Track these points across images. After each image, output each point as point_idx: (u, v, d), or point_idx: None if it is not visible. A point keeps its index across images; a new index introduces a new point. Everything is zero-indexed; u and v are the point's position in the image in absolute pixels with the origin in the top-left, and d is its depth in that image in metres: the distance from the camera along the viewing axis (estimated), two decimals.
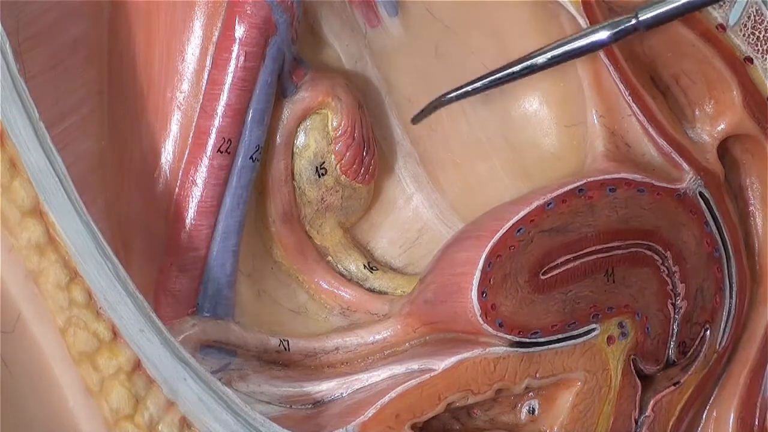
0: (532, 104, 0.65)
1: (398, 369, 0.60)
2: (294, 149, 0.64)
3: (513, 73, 0.62)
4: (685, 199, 0.64)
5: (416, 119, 0.65)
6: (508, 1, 0.64)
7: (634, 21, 0.61)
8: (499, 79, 0.62)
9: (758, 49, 0.66)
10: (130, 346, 0.53)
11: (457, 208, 0.68)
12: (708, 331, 0.65)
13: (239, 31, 0.59)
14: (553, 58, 0.61)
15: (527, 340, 0.60)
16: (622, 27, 0.61)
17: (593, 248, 0.62)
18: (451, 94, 0.63)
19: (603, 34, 0.61)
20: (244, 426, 0.55)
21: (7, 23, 0.52)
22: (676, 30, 0.64)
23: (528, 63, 0.62)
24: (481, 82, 0.63)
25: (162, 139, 0.61)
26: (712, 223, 0.64)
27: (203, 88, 0.60)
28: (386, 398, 0.58)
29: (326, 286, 0.66)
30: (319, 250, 0.66)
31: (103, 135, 0.62)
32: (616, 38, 0.61)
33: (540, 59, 0.62)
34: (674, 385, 0.64)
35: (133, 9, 0.60)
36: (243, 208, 0.61)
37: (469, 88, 0.63)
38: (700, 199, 0.64)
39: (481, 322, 0.60)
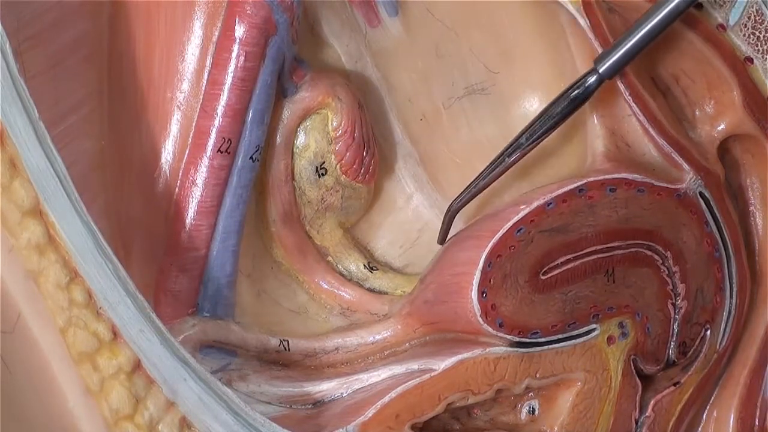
0: (532, 104, 0.65)
1: (398, 369, 0.60)
2: (294, 149, 0.64)
3: (505, 158, 0.63)
4: (685, 199, 0.64)
5: (442, 239, 0.65)
6: (508, 1, 0.64)
7: (595, 75, 0.62)
8: (496, 170, 0.63)
9: (758, 49, 0.66)
10: (130, 346, 0.53)
11: None
12: (708, 331, 0.65)
13: (239, 31, 0.59)
14: (537, 136, 0.62)
15: (527, 340, 0.60)
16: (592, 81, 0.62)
17: (593, 248, 0.62)
18: (458, 203, 0.64)
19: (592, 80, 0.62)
20: (244, 426, 0.55)
21: (7, 23, 0.52)
22: (676, 30, 0.64)
23: (515, 145, 0.62)
24: (482, 181, 0.63)
25: (162, 139, 0.61)
26: (712, 223, 0.64)
27: (203, 88, 0.60)
28: (386, 398, 0.58)
29: (326, 286, 0.66)
30: (319, 250, 0.66)
31: (103, 135, 0.62)
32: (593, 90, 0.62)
33: (523, 139, 0.62)
34: (674, 385, 0.64)
35: (133, 9, 0.60)
36: (243, 208, 0.61)
37: (471, 189, 0.64)
38: (700, 199, 0.64)
39: (481, 322, 0.60)
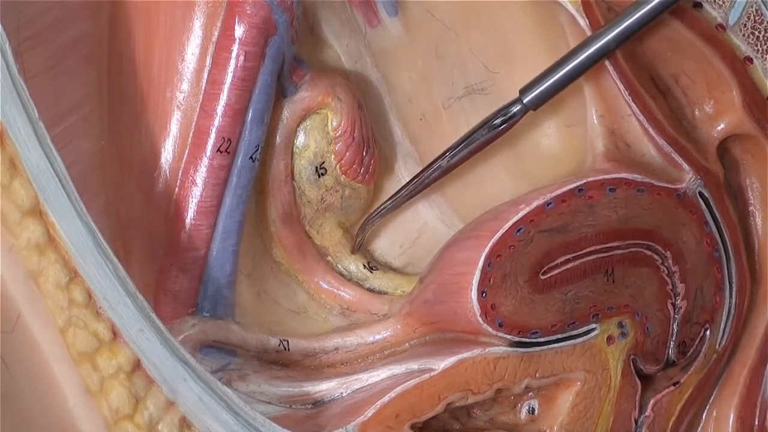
0: None
1: (398, 369, 0.60)
2: (294, 149, 0.64)
3: (426, 177, 0.64)
4: (684, 199, 0.64)
5: (355, 249, 0.67)
6: (508, 1, 0.64)
7: (520, 106, 0.63)
8: (415, 188, 0.65)
9: (758, 49, 0.66)
10: (130, 346, 0.53)
11: (457, 208, 0.68)
12: (708, 331, 0.65)
13: (239, 30, 0.59)
14: (458, 158, 0.64)
15: (527, 340, 0.60)
16: (511, 115, 0.63)
17: (593, 248, 0.62)
18: (374, 216, 0.66)
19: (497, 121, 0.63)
20: (244, 426, 0.55)
21: (7, 23, 0.52)
22: (676, 30, 0.64)
23: (436, 165, 0.64)
24: (400, 198, 0.65)
25: (162, 139, 0.61)
26: (711, 223, 0.64)
27: (203, 87, 0.60)
28: (386, 398, 0.58)
29: (326, 286, 0.66)
30: (319, 250, 0.66)
31: (103, 135, 0.62)
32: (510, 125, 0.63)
33: (444, 161, 0.64)
34: (674, 385, 0.64)
35: (133, 9, 0.60)
36: (243, 208, 0.61)
37: (389, 203, 0.65)
38: (700, 199, 0.64)
39: (481, 322, 0.60)
